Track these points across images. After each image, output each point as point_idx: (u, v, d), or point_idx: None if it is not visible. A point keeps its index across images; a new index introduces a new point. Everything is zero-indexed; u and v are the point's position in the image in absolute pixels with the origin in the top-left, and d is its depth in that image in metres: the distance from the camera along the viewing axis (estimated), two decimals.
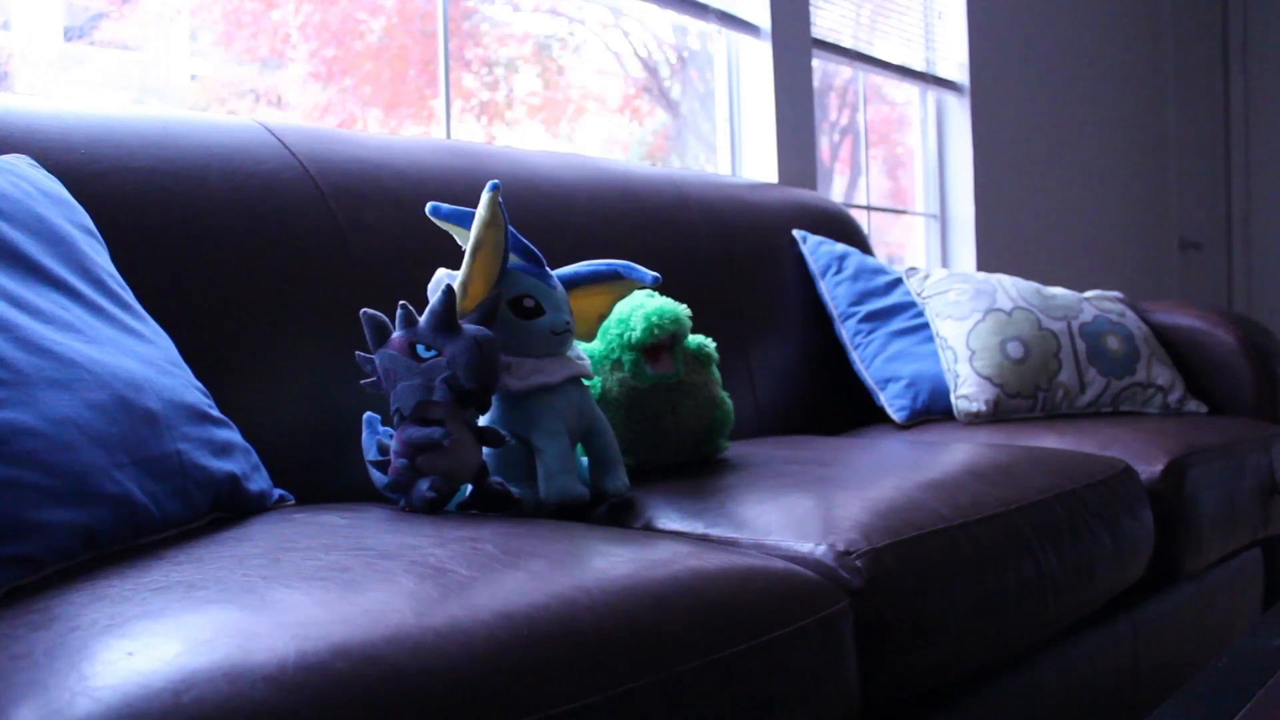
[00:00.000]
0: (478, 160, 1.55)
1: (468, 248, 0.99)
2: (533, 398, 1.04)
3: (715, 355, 1.27)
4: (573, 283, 1.11)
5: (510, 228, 1.05)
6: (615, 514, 1.07)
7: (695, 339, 1.27)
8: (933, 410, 1.79)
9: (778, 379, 1.85)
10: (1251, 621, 1.79)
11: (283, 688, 0.51)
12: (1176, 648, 1.50)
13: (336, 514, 0.90)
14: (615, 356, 1.20)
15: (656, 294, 1.25)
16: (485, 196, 0.98)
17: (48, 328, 0.78)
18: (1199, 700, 0.82)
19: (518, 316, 1.03)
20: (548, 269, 1.08)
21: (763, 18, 2.52)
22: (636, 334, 1.17)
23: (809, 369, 1.91)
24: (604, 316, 1.17)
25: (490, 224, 0.98)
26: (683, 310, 1.22)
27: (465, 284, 0.99)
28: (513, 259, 1.07)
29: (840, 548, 0.91)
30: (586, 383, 1.12)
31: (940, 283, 1.91)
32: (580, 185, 1.67)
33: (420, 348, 0.95)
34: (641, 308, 1.19)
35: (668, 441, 1.24)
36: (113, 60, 1.69)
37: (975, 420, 1.74)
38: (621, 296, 1.16)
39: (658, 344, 1.19)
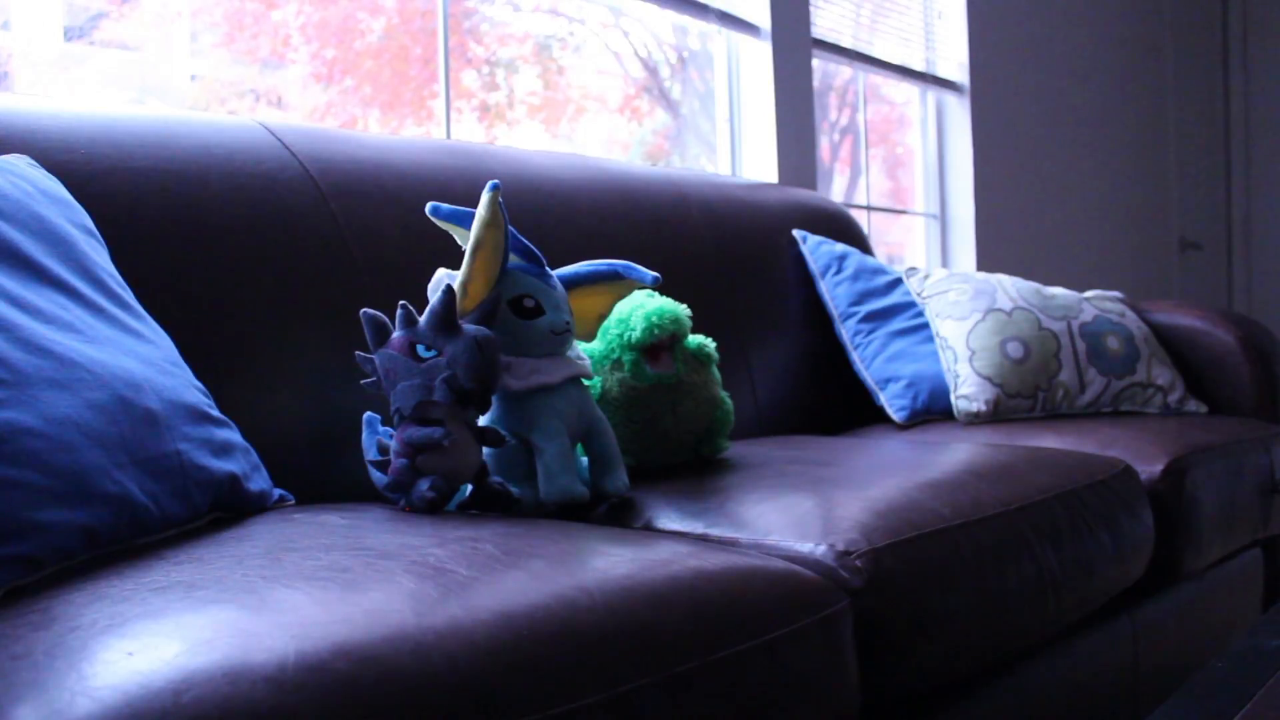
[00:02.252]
0: (478, 160, 1.55)
1: (468, 248, 0.99)
2: (532, 397, 1.04)
3: (715, 355, 1.27)
4: (573, 283, 1.11)
5: (510, 228, 1.05)
6: (615, 514, 1.07)
7: (695, 339, 1.27)
8: (932, 410, 1.79)
9: (778, 379, 1.85)
10: (1251, 621, 1.79)
11: (283, 688, 0.51)
12: (1176, 648, 1.50)
13: (336, 514, 0.90)
14: (615, 356, 1.20)
15: (657, 294, 1.25)
16: (485, 196, 0.98)
17: (48, 328, 0.78)
18: (1199, 700, 0.82)
19: (518, 316, 1.03)
20: (548, 269, 1.08)
21: (763, 18, 2.52)
22: (636, 334, 1.17)
23: (809, 369, 1.91)
24: (604, 316, 1.17)
25: (490, 224, 0.98)
26: (682, 310, 1.22)
27: (465, 284, 0.99)
28: (513, 259, 1.07)
29: (840, 548, 0.90)
30: (587, 383, 1.12)
31: (940, 283, 1.91)
32: (580, 185, 1.67)
33: (420, 348, 0.95)
34: (641, 308, 1.19)
35: (668, 441, 1.24)
36: (113, 60, 1.69)
37: (975, 420, 1.74)
38: (622, 296, 1.17)
39: (658, 344, 1.19)
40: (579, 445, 1.11)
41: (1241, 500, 1.61)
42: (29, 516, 0.68)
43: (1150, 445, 1.50)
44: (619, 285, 1.14)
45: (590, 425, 1.09)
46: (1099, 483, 1.23)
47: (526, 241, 1.07)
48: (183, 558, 0.72)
